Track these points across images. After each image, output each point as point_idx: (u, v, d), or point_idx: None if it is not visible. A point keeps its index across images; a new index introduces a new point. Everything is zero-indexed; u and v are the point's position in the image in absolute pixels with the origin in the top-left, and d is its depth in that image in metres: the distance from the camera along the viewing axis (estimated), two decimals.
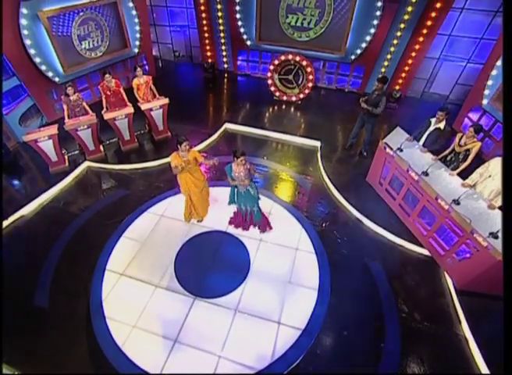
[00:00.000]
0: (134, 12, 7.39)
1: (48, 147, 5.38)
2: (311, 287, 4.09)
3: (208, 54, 8.97)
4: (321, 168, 6.00)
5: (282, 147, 6.70)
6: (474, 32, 6.97)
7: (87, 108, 5.76)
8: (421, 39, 7.06)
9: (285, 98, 7.77)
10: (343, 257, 4.53)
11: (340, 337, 3.66)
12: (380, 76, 5.43)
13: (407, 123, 6.19)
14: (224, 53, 8.91)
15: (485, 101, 6.13)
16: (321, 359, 3.47)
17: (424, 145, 5.02)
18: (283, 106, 7.80)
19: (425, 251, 4.61)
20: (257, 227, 4.72)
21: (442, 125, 4.81)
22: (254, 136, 6.91)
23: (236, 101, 8.18)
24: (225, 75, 9.18)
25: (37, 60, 6.18)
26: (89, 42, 6.86)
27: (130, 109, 5.81)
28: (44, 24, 5.97)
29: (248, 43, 8.26)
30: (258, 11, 7.50)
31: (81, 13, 6.42)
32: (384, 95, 5.30)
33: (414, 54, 7.34)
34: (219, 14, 8.06)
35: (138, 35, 7.75)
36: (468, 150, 4.51)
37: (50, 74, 6.50)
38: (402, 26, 6.94)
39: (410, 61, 7.48)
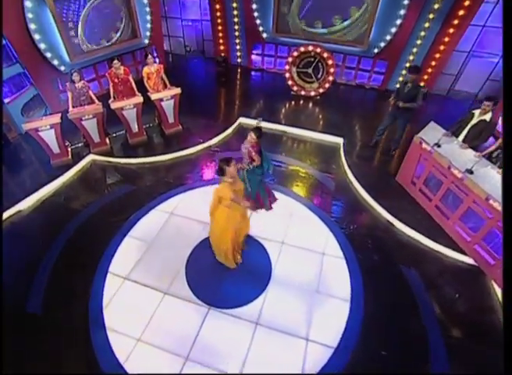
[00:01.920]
0: (145, 1, 7.02)
1: (49, 137, 4.95)
2: (341, 298, 3.57)
3: (221, 48, 8.58)
4: (346, 166, 5.49)
5: (301, 143, 6.22)
6: None
7: (94, 97, 5.35)
8: (451, 31, 6.57)
9: (303, 92, 7.31)
10: (374, 263, 4.01)
11: (379, 358, 3.12)
12: (411, 65, 4.93)
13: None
14: (238, 47, 8.50)
15: None
16: None
17: (464, 141, 4.50)
18: (301, 101, 7.33)
19: (468, 259, 4.06)
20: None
21: (488, 117, 4.28)
22: (271, 131, 6.43)
23: (251, 95, 7.75)
24: (239, 70, 8.77)
25: (42, 46, 5.81)
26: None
27: (139, 99, 5.38)
28: (49, 8, 5.59)
29: (264, 35, 7.84)
30: (276, 1, 7.09)
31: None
32: (420, 87, 4.81)
33: (442, 47, 6.85)
34: (234, 5, 7.67)
35: (149, 25, 7.37)
36: None
37: (55, 62, 6.13)
38: (431, 16, 6.47)
39: (437, 55, 6.98)
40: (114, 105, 5.23)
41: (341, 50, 7.35)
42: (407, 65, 7.28)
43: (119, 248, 4.02)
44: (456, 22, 6.45)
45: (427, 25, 6.62)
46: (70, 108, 5.09)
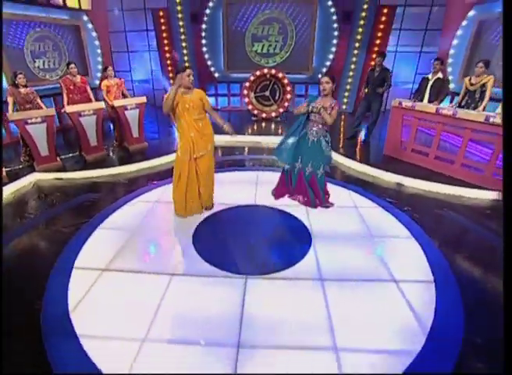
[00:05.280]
0: (97, 43, 7.08)
1: None
2: (403, 236, 2.85)
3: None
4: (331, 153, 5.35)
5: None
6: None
7: (43, 105, 4.51)
8: (374, 56, 7.96)
9: (264, 115, 7.54)
10: (412, 209, 3.46)
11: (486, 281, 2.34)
12: (378, 50, 5.60)
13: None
14: None
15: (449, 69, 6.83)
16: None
17: (429, 102, 4.87)
18: (263, 123, 7.45)
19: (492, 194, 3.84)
20: (309, 199, 3.30)
21: (440, 75, 4.83)
22: (243, 144, 6.15)
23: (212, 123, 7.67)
24: None
25: None
26: (44, 62, 6.05)
27: (100, 104, 4.74)
28: None
29: (216, 75, 8.37)
30: (225, 43, 7.88)
31: (38, 29, 5.80)
32: (388, 69, 5.29)
33: None
34: (185, 52, 8.25)
35: (100, 67, 7.26)
36: (484, 85, 4.42)
37: None
38: (357, 45, 7.84)
39: None
40: (70, 109, 4.45)
41: (290, 79, 8.12)
42: (348, 87, 8.35)
43: (87, 242, 2.75)
44: (376, 49, 7.91)
45: (356, 52, 7.94)
46: (10, 112, 4.13)
